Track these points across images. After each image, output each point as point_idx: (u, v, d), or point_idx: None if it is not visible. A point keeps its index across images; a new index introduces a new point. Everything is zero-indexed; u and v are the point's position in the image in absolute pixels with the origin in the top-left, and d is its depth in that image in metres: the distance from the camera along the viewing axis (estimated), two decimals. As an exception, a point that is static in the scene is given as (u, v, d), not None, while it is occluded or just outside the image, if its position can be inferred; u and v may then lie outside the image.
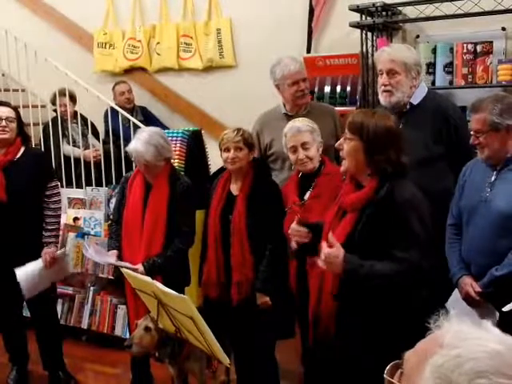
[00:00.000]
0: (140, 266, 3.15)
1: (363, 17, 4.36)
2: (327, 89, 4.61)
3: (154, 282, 2.52)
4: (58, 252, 3.75)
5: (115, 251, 3.31)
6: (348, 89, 4.55)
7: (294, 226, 2.49)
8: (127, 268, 3.12)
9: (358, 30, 4.42)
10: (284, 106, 3.70)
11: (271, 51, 4.74)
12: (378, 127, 2.20)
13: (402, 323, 2.10)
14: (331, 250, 2.13)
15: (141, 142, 3.21)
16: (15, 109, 3.66)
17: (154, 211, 3.22)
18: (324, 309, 2.31)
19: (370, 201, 2.19)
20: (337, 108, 4.47)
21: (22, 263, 3.52)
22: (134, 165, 4.52)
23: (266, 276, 2.99)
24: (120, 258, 3.32)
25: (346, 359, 2.26)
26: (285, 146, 3.10)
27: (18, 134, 3.62)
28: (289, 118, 3.61)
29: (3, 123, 3.51)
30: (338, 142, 2.36)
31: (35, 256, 3.60)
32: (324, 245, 2.16)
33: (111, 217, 4.42)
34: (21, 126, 3.66)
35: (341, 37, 4.77)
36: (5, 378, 3.84)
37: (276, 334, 3.15)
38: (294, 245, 2.53)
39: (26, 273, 3.50)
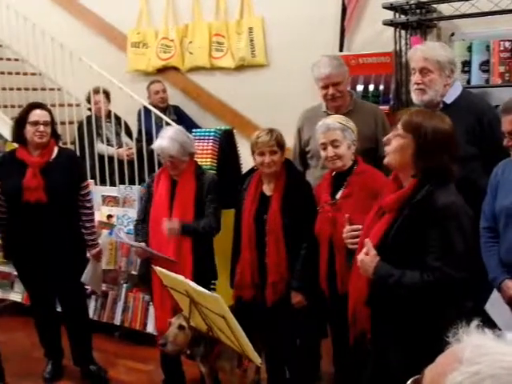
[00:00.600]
0: (177, 222, 3.20)
1: (397, 15, 4.32)
2: (360, 88, 4.58)
3: (187, 280, 2.53)
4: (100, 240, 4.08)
5: (143, 244, 3.37)
6: (381, 88, 4.51)
7: (347, 227, 2.51)
8: (156, 256, 3.20)
9: (392, 28, 4.38)
10: (325, 105, 3.69)
11: (303, 50, 4.75)
12: (436, 130, 2.17)
13: (435, 334, 2.07)
14: (366, 258, 2.12)
15: (165, 138, 3.29)
16: (50, 111, 3.71)
17: (181, 206, 3.26)
18: (360, 312, 2.29)
19: (407, 203, 2.16)
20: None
21: (61, 261, 3.64)
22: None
23: (301, 275, 2.98)
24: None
25: (378, 365, 2.24)
26: (317, 144, 3.09)
27: (52, 134, 3.68)
28: (328, 116, 3.59)
29: (41, 128, 3.56)
30: (386, 136, 2.33)
31: (74, 253, 3.74)
32: (362, 251, 2.16)
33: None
34: (53, 126, 3.71)
35: (374, 35, 4.73)
36: (41, 373, 3.92)
37: (310, 335, 3.14)
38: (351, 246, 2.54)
39: (88, 275, 3.82)
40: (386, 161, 2.31)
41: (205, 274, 3.36)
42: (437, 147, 2.16)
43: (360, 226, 2.52)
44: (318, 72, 3.49)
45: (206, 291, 2.46)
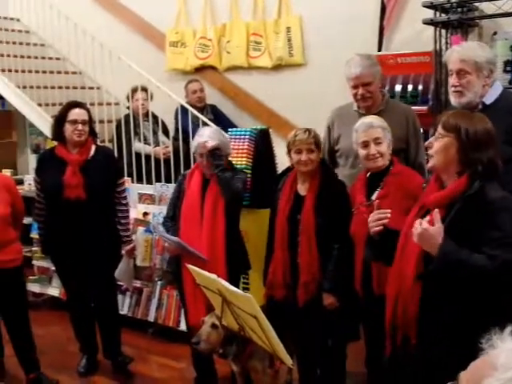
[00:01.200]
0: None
1: (437, 13, 4.25)
2: (398, 87, 4.52)
3: (219, 279, 2.53)
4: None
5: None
6: (420, 88, 4.44)
7: (374, 211, 2.47)
8: (190, 252, 3.21)
9: (432, 28, 4.31)
10: (356, 104, 3.65)
11: (341, 49, 4.70)
12: (478, 127, 2.17)
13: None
14: (432, 228, 2.07)
15: (204, 135, 3.30)
16: (88, 110, 3.75)
17: (212, 205, 3.26)
18: (402, 316, 2.24)
19: (459, 197, 2.13)
20: (408, 107, 4.39)
21: (99, 258, 3.71)
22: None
23: (333, 276, 2.96)
24: None
25: (427, 369, 2.18)
26: (355, 142, 3.04)
27: (89, 132, 3.72)
28: (360, 115, 3.52)
29: (79, 127, 3.61)
30: (428, 141, 2.31)
31: (111, 250, 3.81)
32: (423, 220, 2.11)
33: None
34: (91, 124, 3.75)
35: (413, 34, 4.66)
36: (75, 366, 3.98)
37: (342, 336, 3.11)
38: (375, 230, 2.48)
39: (121, 271, 3.91)
40: (430, 164, 2.29)
41: (238, 267, 3.39)
42: (481, 143, 2.14)
43: (388, 210, 2.46)
44: (349, 71, 3.45)
45: (239, 291, 2.45)
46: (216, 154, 3.27)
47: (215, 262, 3.23)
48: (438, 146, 2.22)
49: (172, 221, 3.46)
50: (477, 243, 2.08)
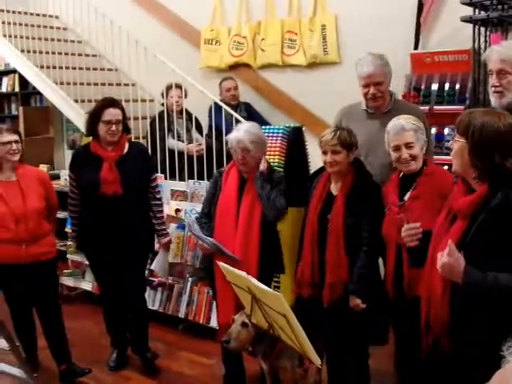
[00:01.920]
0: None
1: (476, 11, 4.16)
2: (434, 86, 4.45)
3: (249, 277, 2.51)
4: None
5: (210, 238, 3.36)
6: (457, 87, 4.36)
7: (405, 225, 2.52)
8: (223, 253, 3.19)
9: (470, 25, 4.22)
10: (365, 103, 3.61)
11: (377, 47, 4.59)
12: (484, 128, 2.07)
13: None
14: (451, 260, 2.03)
15: (242, 131, 3.26)
16: (122, 108, 3.76)
17: (249, 204, 3.24)
18: (434, 319, 2.20)
19: (482, 207, 2.07)
20: (444, 107, 4.32)
21: (135, 254, 3.76)
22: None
23: (360, 278, 2.92)
24: None
25: (459, 373, 2.14)
26: (387, 144, 3.00)
27: (123, 130, 3.74)
28: (368, 114, 3.54)
29: (113, 127, 3.62)
30: (449, 142, 2.26)
31: (146, 245, 3.86)
32: (441, 253, 2.07)
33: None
34: (124, 121, 3.76)
35: (451, 32, 4.58)
36: (106, 360, 4.03)
37: (368, 340, 3.07)
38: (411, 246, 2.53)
39: (158, 264, 4.07)
40: (453, 169, 2.24)
41: (271, 270, 3.36)
42: (486, 145, 2.05)
43: (418, 224, 2.55)
44: (361, 70, 3.43)
45: (268, 289, 2.43)
46: (264, 177, 3.24)
47: (248, 263, 3.20)
48: (454, 149, 2.17)
49: (207, 218, 3.45)
50: (502, 256, 2.02)
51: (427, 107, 4.32)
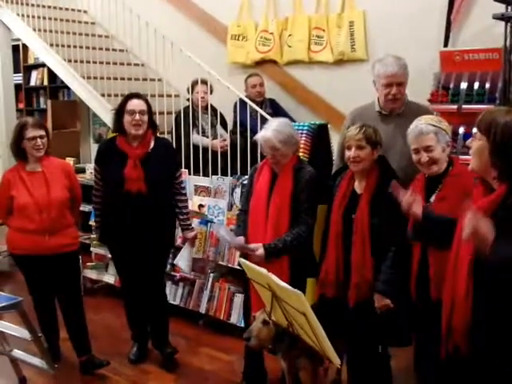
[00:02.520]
0: (260, 247, 3.13)
1: (509, 8, 4.06)
2: (463, 85, 4.35)
3: (269, 274, 2.49)
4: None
5: (242, 237, 3.32)
6: (487, 86, 4.27)
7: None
8: (250, 250, 3.16)
9: (502, 23, 4.12)
10: (378, 102, 3.56)
11: (406, 45, 4.59)
12: (507, 127, 2.02)
13: None
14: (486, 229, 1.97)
15: (269, 129, 3.21)
16: (147, 101, 3.77)
17: (278, 200, 3.19)
18: (456, 323, 2.16)
19: (500, 206, 2.02)
20: (474, 106, 4.23)
21: (158, 250, 3.79)
22: (259, 155, 4.58)
23: (388, 278, 2.87)
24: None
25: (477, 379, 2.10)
26: (409, 146, 2.95)
27: (149, 124, 3.73)
28: (382, 116, 3.49)
29: (137, 117, 3.61)
30: (468, 141, 2.21)
31: (169, 241, 3.88)
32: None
33: (239, 206, 4.53)
34: (151, 116, 3.76)
35: (482, 30, 4.49)
36: (126, 353, 4.04)
37: (391, 341, 3.02)
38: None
39: (182, 258, 4.07)
40: (470, 166, 2.19)
41: (303, 271, 3.24)
42: (508, 145, 2.00)
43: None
44: (384, 69, 3.38)
45: (288, 286, 2.40)
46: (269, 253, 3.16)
47: (278, 261, 3.16)
48: (473, 147, 2.12)
49: (245, 214, 3.42)
50: None
51: (455, 106, 4.24)
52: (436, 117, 2.95)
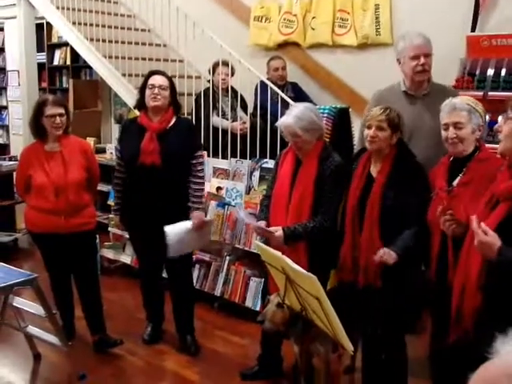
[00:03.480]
0: (279, 229, 3.08)
1: (540, -8, 3.95)
2: (490, 72, 4.25)
3: (284, 256, 2.46)
4: (207, 218, 4.00)
5: (263, 222, 3.28)
6: (514, 72, 4.17)
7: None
8: (269, 233, 3.11)
9: (533, 8, 4.02)
10: (404, 83, 3.53)
11: (431, 29, 4.44)
12: None
13: None
14: (487, 238, 1.95)
15: (291, 116, 3.13)
16: (169, 78, 3.76)
17: (301, 187, 3.14)
18: (466, 309, 2.12)
19: None
20: (500, 93, 4.14)
21: (169, 224, 3.67)
22: (278, 139, 4.53)
23: (403, 244, 2.79)
24: None
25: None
26: (441, 123, 2.88)
27: (171, 103, 3.72)
28: (408, 96, 3.49)
29: (156, 91, 3.63)
30: (497, 124, 2.15)
31: (181, 218, 3.74)
32: (478, 230, 1.99)
33: (257, 189, 4.49)
34: (174, 95, 3.74)
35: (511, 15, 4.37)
36: (141, 333, 4.04)
37: (402, 327, 2.97)
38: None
39: (175, 230, 3.65)
40: (499, 150, 2.12)
41: (323, 262, 3.11)
42: None
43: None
44: (410, 42, 3.42)
45: (302, 270, 2.36)
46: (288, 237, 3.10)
47: (296, 248, 3.10)
48: (506, 130, 2.06)
49: (269, 200, 3.36)
50: None
51: (481, 93, 4.14)
52: (473, 99, 2.88)
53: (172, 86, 3.73)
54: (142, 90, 3.74)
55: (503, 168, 2.18)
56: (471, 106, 2.77)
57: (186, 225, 3.69)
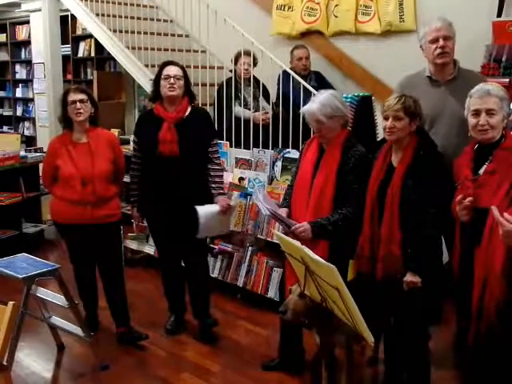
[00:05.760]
0: (306, 224, 3.03)
1: None
2: (516, 58, 4.15)
3: (303, 246, 2.43)
4: (232, 203, 4.04)
5: (285, 209, 3.27)
6: (541, 58, 4.06)
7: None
8: (286, 223, 3.09)
9: (561, -9, 3.90)
10: (429, 69, 3.53)
11: (457, 15, 4.35)
12: None
13: None
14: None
15: (315, 102, 3.11)
16: (183, 68, 3.77)
17: (323, 176, 3.10)
18: (488, 299, 2.07)
19: None
20: (524, 80, 4.04)
21: (190, 214, 3.67)
22: (301, 129, 4.49)
23: (420, 255, 2.76)
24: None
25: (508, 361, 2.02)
26: (467, 108, 2.81)
27: (186, 92, 3.75)
28: (432, 81, 3.50)
29: (171, 80, 3.65)
30: None
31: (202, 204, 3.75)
32: (503, 220, 1.94)
33: (280, 179, 4.46)
34: (188, 84, 3.77)
35: (539, -1, 4.25)
36: (164, 324, 4.06)
37: (424, 318, 2.92)
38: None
39: (205, 211, 3.71)
40: None
41: (343, 250, 3.07)
42: None
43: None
44: (429, 26, 3.45)
45: (322, 260, 2.33)
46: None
47: (317, 241, 3.06)
48: None
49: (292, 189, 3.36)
50: None
51: (507, 80, 4.05)
52: (502, 86, 2.81)
53: (186, 76, 3.76)
54: (156, 81, 3.76)
55: None
56: (502, 94, 2.71)
57: (214, 207, 3.76)
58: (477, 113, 2.70)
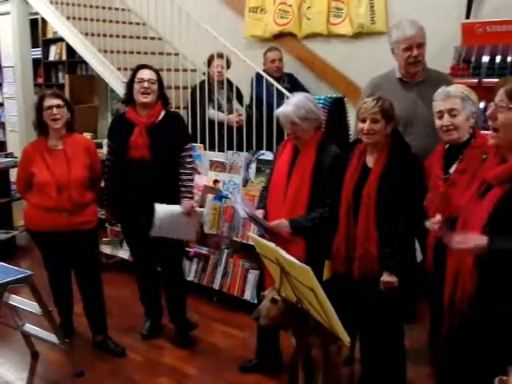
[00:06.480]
0: (283, 220, 3.05)
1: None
2: (485, 58, 4.22)
3: (278, 248, 2.44)
4: (198, 208, 3.98)
5: (262, 211, 3.28)
6: (509, 59, 4.13)
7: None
8: (263, 225, 3.10)
9: (527, -7, 3.98)
10: (399, 70, 3.57)
11: (427, 16, 4.41)
12: None
13: None
14: (474, 242, 1.95)
15: (289, 105, 3.14)
16: (157, 71, 3.75)
17: (298, 177, 3.12)
18: (461, 291, 2.11)
19: None
20: (495, 79, 4.11)
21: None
22: (274, 131, 4.51)
23: (395, 254, 2.79)
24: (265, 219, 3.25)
25: (482, 351, 2.05)
26: (433, 111, 2.87)
27: (159, 96, 3.72)
28: (403, 83, 3.53)
29: (145, 84, 3.62)
30: (490, 110, 2.11)
31: None
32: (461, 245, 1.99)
33: (254, 181, 4.47)
34: (162, 88, 3.74)
35: (505, 1, 4.33)
36: (140, 329, 4.04)
37: (399, 316, 2.96)
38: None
39: (165, 210, 3.66)
40: (493, 142, 2.09)
41: (320, 253, 3.09)
42: None
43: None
44: (403, 32, 3.42)
45: (296, 261, 2.34)
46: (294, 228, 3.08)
47: (293, 239, 3.07)
48: (503, 119, 2.02)
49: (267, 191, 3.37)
50: None
51: (476, 80, 4.11)
52: (466, 87, 2.87)
53: (160, 80, 3.74)
54: (129, 84, 3.72)
55: (490, 154, 2.16)
56: (464, 94, 2.77)
57: (175, 208, 3.71)
58: (441, 114, 2.77)
